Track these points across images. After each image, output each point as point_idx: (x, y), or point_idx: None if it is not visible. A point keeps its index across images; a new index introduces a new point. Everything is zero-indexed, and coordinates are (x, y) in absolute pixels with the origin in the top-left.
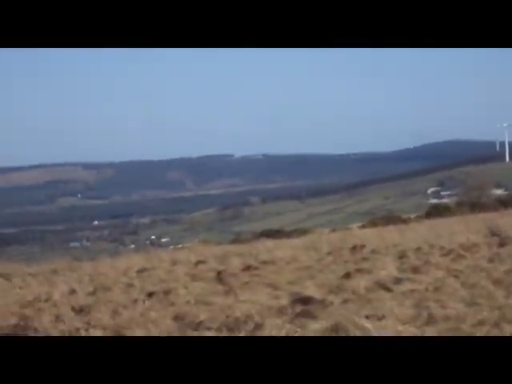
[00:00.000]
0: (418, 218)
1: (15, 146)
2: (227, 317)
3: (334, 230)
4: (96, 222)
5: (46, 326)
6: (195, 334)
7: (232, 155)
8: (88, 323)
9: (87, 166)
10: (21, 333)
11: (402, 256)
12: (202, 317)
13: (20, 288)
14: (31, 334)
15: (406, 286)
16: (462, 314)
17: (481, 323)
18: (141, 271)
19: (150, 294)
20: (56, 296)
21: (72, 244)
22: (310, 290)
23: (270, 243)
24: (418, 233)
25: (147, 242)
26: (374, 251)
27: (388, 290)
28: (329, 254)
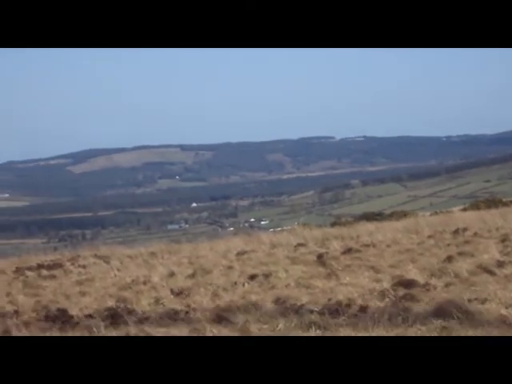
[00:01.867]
0: None
1: (119, 127)
2: (329, 300)
3: (435, 213)
4: (195, 204)
5: (145, 308)
6: (296, 316)
7: (333, 137)
8: (188, 306)
9: (185, 148)
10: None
11: (504, 239)
12: (304, 300)
13: (118, 270)
14: (129, 316)
15: (508, 270)
16: None
17: None
18: (241, 254)
19: (251, 277)
20: (155, 278)
21: (170, 226)
22: (412, 273)
23: (370, 226)
24: None
25: (246, 224)
26: (476, 234)
27: (491, 273)
28: (430, 237)
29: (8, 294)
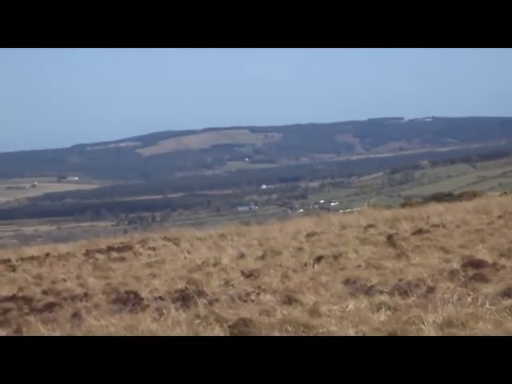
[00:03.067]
0: None
1: (189, 109)
2: (399, 280)
3: (504, 194)
4: (264, 186)
5: (215, 290)
6: (366, 297)
7: (402, 118)
8: (258, 287)
9: (254, 130)
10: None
11: None
12: (374, 280)
13: (188, 252)
14: (199, 298)
15: None
16: None
17: None
18: (310, 235)
19: (320, 258)
20: (225, 260)
21: (240, 208)
22: (482, 253)
23: (440, 207)
24: None
25: (316, 206)
26: None
27: None
28: (499, 217)
29: (78, 277)
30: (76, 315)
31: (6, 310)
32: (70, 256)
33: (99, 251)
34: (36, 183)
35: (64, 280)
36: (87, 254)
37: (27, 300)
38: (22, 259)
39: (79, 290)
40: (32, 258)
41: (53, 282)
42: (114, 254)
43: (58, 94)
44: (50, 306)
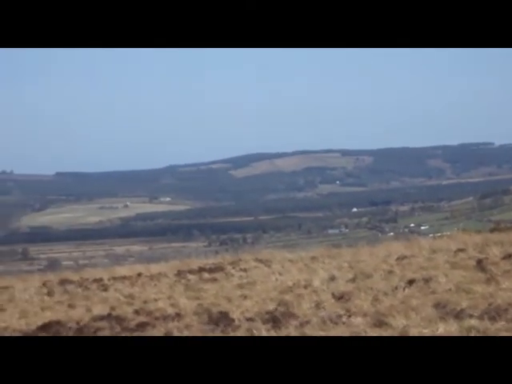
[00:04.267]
0: None
1: (280, 131)
2: (489, 305)
3: None
4: (355, 209)
5: (306, 312)
6: (456, 321)
7: (492, 143)
8: (349, 310)
9: (346, 153)
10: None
11: None
12: (464, 304)
13: (279, 274)
14: (289, 320)
15: None
16: None
17: None
18: (400, 258)
19: (411, 282)
20: (316, 282)
21: (331, 231)
22: None
23: None
24: None
25: (406, 229)
26: None
27: None
28: None
29: (170, 297)
30: (168, 335)
31: (98, 330)
32: (161, 276)
33: (191, 272)
34: (128, 203)
35: (156, 300)
36: (179, 274)
37: (119, 319)
38: (114, 278)
39: (171, 310)
40: (124, 277)
41: (145, 302)
42: (206, 275)
43: (150, 115)
44: (141, 326)
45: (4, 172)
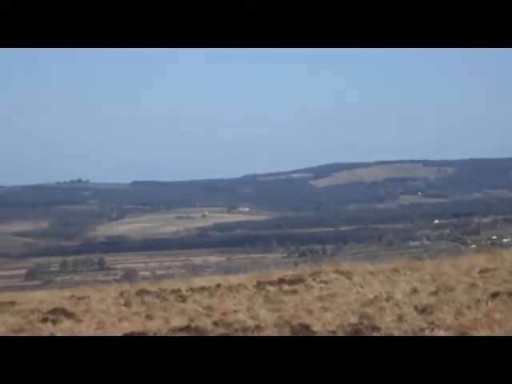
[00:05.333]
0: None
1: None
2: None
3: None
4: (436, 221)
5: (388, 325)
6: None
7: None
8: (432, 323)
9: (427, 164)
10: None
11: None
12: None
13: (361, 286)
14: (372, 333)
15: None
16: None
17: None
18: (483, 271)
19: (494, 295)
20: (398, 295)
21: (412, 243)
22: None
23: None
24: None
25: (488, 241)
26: None
27: None
28: None
29: (249, 309)
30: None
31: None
32: (240, 287)
33: (270, 283)
34: (206, 213)
35: (235, 312)
36: (258, 285)
37: (198, 331)
38: (192, 289)
39: (250, 322)
40: (202, 288)
41: (224, 314)
42: (286, 287)
43: (228, 124)
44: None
45: (80, 181)
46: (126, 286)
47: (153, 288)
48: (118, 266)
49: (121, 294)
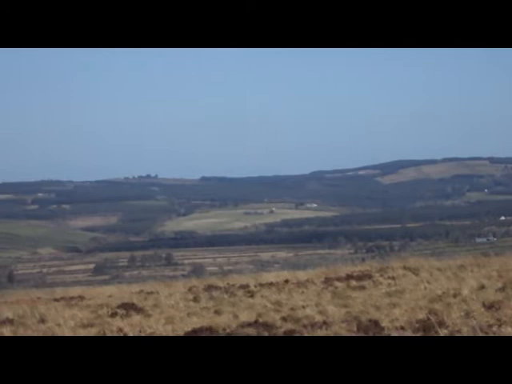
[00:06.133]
0: None
1: (428, 137)
2: None
3: None
4: (503, 218)
5: (456, 321)
6: None
7: None
8: (499, 320)
9: (494, 161)
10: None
11: None
12: None
13: (428, 283)
14: (440, 328)
15: None
16: None
17: None
18: None
19: None
20: (465, 291)
21: (478, 239)
22: None
23: None
24: None
25: None
26: None
27: None
28: None
29: (317, 304)
30: None
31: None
32: (308, 283)
33: (338, 279)
34: (274, 209)
35: (303, 307)
36: (326, 281)
37: (267, 326)
38: (261, 285)
39: (319, 318)
40: (270, 284)
41: (292, 309)
42: (354, 283)
43: (296, 120)
44: (289, 333)
45: (149, 176)
46: (195, 281)
47: (221, 283)
48: (186, 262)
49: (189, 289)
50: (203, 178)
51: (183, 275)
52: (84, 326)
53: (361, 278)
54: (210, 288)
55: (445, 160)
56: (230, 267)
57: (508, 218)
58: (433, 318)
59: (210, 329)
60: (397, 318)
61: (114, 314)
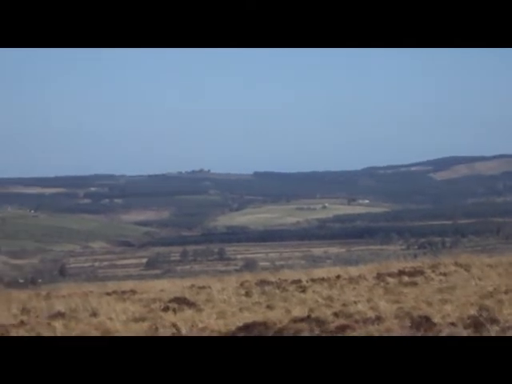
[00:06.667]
0: None
1: (480, 134)
2: None
3: None
4: None
5: (507, 317)
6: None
7: None
8: None
9: None
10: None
11: None
12: None
13: (479, 279)
14: (491, 325)
15: None
16: None
17: None
18: None
19: None
20: None
21: None
22: None
23: None
24: None
25: None
26: None
27: None
28: None
29: (369, 300)
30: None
31: (298, 331)
32: (360, 279)
33: (390, 275)
34: (327, 205)
35: (355, 302)
36: (378, 277)
37: (319, 322)
38: (313, 280)
39: (371, 313)
40: (322, 279)
41: (344, 305)
42: (405, 278)
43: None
44: (341, 329)
45: (201, 171)
46: (247, 276)
47: (273, 278)
48: (238, 256)
49: (241, 284)
50: (256, 173)
51: (235, 270)
52: (136, 320)
53: (413, 273)
54: (262, 283)
55: (496, 157)
56: (282, 262)
57: None
58: (484, 315)
59: (262, 324)
60: (448, 314)
61: (166, 309)
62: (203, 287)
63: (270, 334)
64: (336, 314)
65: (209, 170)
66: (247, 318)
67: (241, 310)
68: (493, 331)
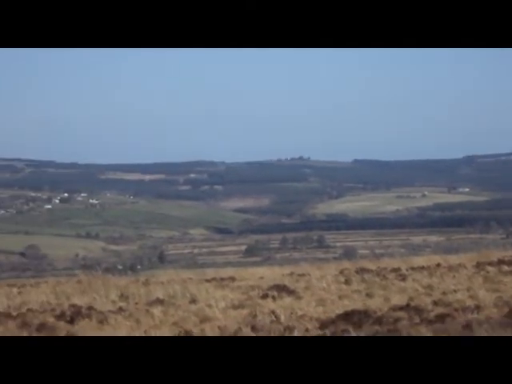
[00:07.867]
0: None
1: None
2: None
3: None
4: None
5: None
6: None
7: None
8: None
9: None
10: None
11: None
12: None
13: None
14: None
15: None
16: None
17: None
18: None
19: None
20: None
21: None
22: None
23: None
24: None
25: None
26: None
27: None
28: None
29: (469, 289)
30: (467, 327)
31: (397, 320)
32: (460, 267)
33: (490, 264)
34: (426, 193)
35: (455, 291)
36: (478, 266)
37: (418, 310)
38: (412, 269)
39: (470, 302)
40: (422, 268)
41: (443, 293)
42: (505, 268)
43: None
44: (441, 317)
45: (301, 158)
46: (346, 264)
47: (372, 266)
48: (338, 244)
49: (341, 272)
50: (355, 161)
51: (335, 258)
52: (235, 307)
53: None
54: (361, 271)
55: None
56: (382, 250)
57: None
58: None
59: (362, 312)
60: None
61: (265, 296)
62: (302, 275)
63: (370, 322)
64: (435, 303)
65: (308, 158)
66: (346, 305)
67: (340, 297)
68: None
